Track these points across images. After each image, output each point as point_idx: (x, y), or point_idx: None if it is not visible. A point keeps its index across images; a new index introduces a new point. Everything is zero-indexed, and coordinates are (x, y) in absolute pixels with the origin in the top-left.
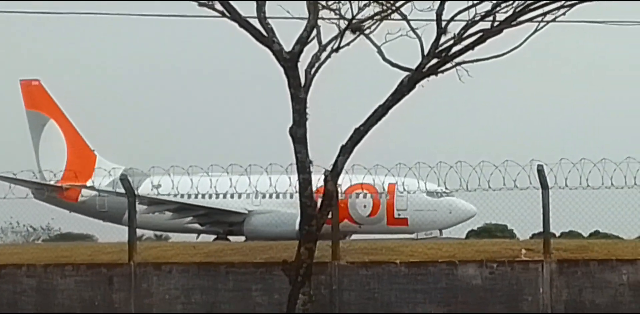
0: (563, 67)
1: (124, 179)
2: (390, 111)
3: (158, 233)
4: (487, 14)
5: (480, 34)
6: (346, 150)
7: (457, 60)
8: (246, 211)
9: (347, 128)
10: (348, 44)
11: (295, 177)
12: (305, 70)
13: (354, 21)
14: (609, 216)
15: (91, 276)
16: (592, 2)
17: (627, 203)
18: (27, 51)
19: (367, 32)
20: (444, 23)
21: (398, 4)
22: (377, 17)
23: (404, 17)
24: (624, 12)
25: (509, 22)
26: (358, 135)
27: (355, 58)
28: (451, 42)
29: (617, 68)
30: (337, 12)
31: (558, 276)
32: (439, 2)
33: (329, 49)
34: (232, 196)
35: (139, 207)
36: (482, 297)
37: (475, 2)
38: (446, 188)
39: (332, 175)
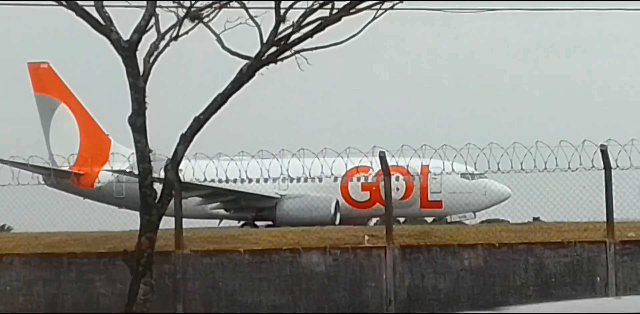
0: (402, 54)
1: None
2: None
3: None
4: (326, 2)
5: (319, 21)
6: (186, 139)
7: (297, 48)
8: (278, 196)
9: (189, 116)
10: (187, 32)
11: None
12: (144, 59)
13: (192, 9)
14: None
15: None
16: None
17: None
18: (36, 33)
19: (206, 20)
20: (282, 11)
21: None
22: (216, 4)
23: (243, 5)
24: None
25: (347, 10)
26: (198, 123)
27: (195, 46)
28: (290, 30)
29: (456, 55)
30: (175, 0)
31: (401, 262)
32: None
33: (167, 37)
34: (257, 181)
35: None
36: (325, 284)
37: None
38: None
39: (172, 164)
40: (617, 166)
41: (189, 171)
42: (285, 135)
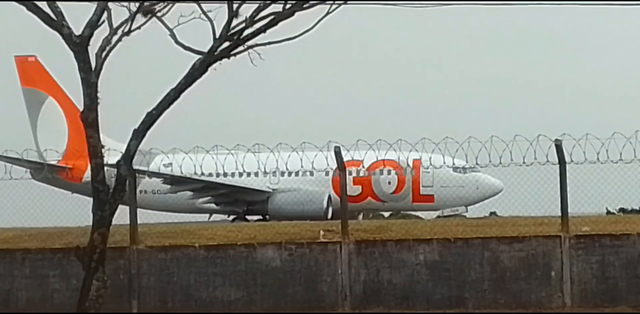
0: (356, 49)
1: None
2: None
3: None
4: None
5: (272, 17)
6: (138, 134)
7: (250, 43)
8: (270, 190)
9: (141, 112)
10: (139, 27)
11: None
12: (96, 54)
13: (145, 4)
14: None
15: None
16: None
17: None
18: (22, 26)
19: (159, 14)
20: (235, 6)
21: None
22: None
23: (196, 0)
24: None
25: (300, 5)
26: (150, 118)
27: (148, 41)
28: (243, 25)
29: (411, 49)
30: None
31: (356, 256)
32: None
33: (120, 32)
34: (248, 175)
35: (159, 186)
36: (281, 279)
37: None
38: (477, 164)
39: (124, 159)
40: (572, 160)
41: (176, 165)
42: (257, 128)
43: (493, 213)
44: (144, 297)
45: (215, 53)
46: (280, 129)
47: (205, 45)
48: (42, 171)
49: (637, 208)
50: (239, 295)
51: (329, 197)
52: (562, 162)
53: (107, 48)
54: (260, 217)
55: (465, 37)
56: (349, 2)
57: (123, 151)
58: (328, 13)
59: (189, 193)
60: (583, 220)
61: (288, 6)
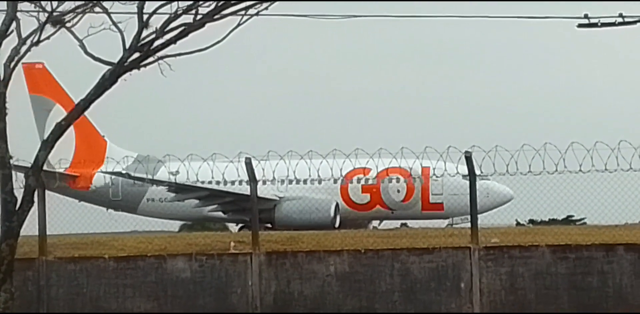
0: (268, 60)
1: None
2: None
3: None
4: (189, 7)
5: (183, 27)
6: (47, 145)
7: (160, 54)
8: (277, 198)
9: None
10: (48, 38)
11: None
12: (5, 64)
13: (54, 14)
14: None
15: None
16: None
17: None
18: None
19: (68, 25)
20: (145, 16)
21: None
22: (79, 10)
23: (105, 11)
24: (330, 6)
25: (211, 16)
26: (59, 129)
27: (58, 52)
28: (153, 36)
29: (324, 60)
30: (37, 4)
31: (267, 267)
32: None
33: (29, 42)
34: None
35: (167, 194)
36: (191, 290)
37: None
38: (481, 172)
39: (33, 170)
40: (482, 172)
41: (183, 173)
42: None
43: (404, 225)
44: (52, 309)
45: (125, 64)
46: (191, 139)
47: (116, 56)
48: (55, 180)
49: (547, 219)
50: (149, 306)
51: (337, 205)
52: (471, 174)
53: (16, 58)
54: (269, 226)
55: (376, 49)
56: (260, 14)
57: (135, 157)
58: (239, 24)
59: (196, 201)
60: (493, 232)
61: (199, 17)
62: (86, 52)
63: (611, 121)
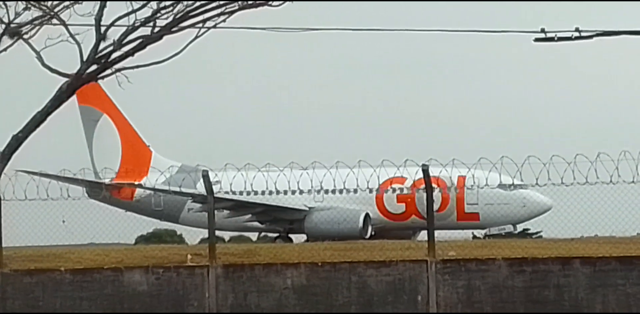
0: (225, 73)
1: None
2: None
3: None
4: (148, 20)
5: (140, 40)
6: (4, 157)
7: (118, 66)
8: (306, 208)
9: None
10: (5, 49)
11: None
12: None
13: (12, 25)
14: None
15: None
16: (253, 9)
17: None
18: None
19: (26, 36)
20: (103, 28)
21: (57, 9)
22: (37, 21)
23: (63, 23)
24: (287, 18)
25: (168, 29)
26: (16, 141)
27: (14, 63)
28: (111, 48)
29: (280, 73)
30: None
31: (224, 280)
32: (98, 8)
33: None
34: (293, 193)
35: (195, 205)
36: (148, 303)
37: (135, 8)
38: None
39: None
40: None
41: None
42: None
43: None
44: None
45: (83, 76)
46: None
47: (73, 68)
48: (99, 191)
49: (503, 233)
50: None
51: (367, 216)
52: (428, 187)
53: None
54: (305, 236)
55: (332, 63)
56: (218, 26)
57: (179, 167)
58: (197, 37)
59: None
60: (450, 245)
61: (156, 30)
62: (43, 64)
63: (569, 133)
